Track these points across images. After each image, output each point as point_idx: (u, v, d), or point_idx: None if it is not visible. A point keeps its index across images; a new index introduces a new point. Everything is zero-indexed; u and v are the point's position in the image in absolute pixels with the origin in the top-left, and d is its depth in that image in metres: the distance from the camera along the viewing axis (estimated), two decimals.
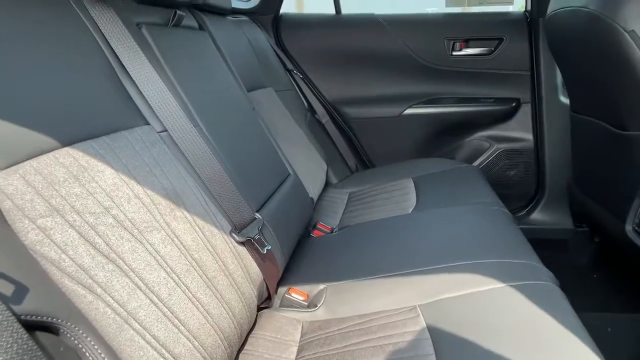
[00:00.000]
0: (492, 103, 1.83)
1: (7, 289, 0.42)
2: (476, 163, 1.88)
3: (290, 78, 1.80)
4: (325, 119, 1.84)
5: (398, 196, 1.42)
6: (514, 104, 1.81)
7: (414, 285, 0.87)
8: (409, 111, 1.85)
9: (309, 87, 1.85)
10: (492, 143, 1.87)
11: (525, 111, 1.82)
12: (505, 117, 1.84)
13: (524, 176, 1.86)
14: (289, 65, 1.80)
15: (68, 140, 0.60)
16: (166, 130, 0.80)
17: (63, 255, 0.51)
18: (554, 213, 1.80)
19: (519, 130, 1.84)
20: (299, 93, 1.82)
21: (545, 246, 1.81)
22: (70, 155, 0.59)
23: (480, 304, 0.78)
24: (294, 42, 1.87)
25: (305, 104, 1.83)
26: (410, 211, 1.27)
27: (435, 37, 1.82)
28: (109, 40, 0.76)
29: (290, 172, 1.23)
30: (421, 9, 2.88)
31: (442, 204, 1.25)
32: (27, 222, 0.50)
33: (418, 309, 0.80)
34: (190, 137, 0.81)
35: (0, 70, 0.55)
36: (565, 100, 1.71)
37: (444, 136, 1.90)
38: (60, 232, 0.52)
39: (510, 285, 0.80)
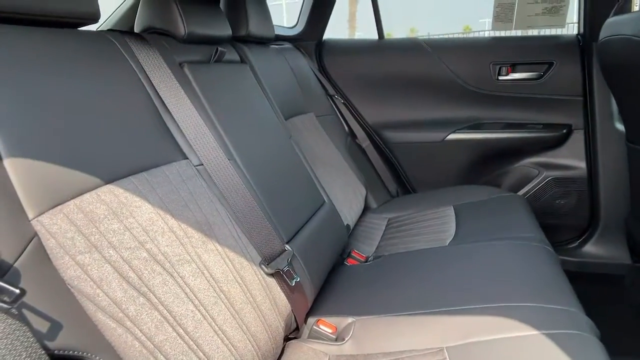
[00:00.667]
0: (541, 129, 1.76)
1: (43, 326, 0.46)
2: (523, 191, 1.81)
3: (332, 103, 1.82)
4: (365, 143, 1.84)
5: (437, 225, 1.39)
6: (565, 130, 1.73)
7: (444, 326, 0.85)
8: (452, 136, 1.82)
9: (350, 111, 1.86)
10: (541, 170, 1.79)
11: (578, 138, 1.73)
12: (555, 143, 1.76)
13: (575, 206, 1.76)
14: (331, 91, 1.83)
15: (110, 177, 0.64)
16: (202, 164, 0.84)
17: (98, 290, 0.55)
18: (609, 247, 1.68)
19: (571, 158, 1.75)
20: (340, 117, 1.84)
21: (598, 281, 1.70)
22: (111, 192, 0.63)
23: (510, 351, 0.74)
24: (336, 67, 1.90)
25: (346, 128, 1.85)
26: (447, 243, 1.24)
27: (480, 61, 1.78)
28: (152, 80, 0.82)
29: (325, 199, 1.25)
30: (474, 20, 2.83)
31: (482, 237, 1.22)
32: (67, 259, 0.54)
33: (445, 351, 0.78)
34: (224, 170, 0.85)
35: (48, 112, 0.60)
36: (620, 127, 1.61)
37: (489, 163, 1.84)
38: (96, 267, 0.57)
39: (544, 334, 0.76)
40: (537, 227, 1.26)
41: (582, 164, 1.73)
